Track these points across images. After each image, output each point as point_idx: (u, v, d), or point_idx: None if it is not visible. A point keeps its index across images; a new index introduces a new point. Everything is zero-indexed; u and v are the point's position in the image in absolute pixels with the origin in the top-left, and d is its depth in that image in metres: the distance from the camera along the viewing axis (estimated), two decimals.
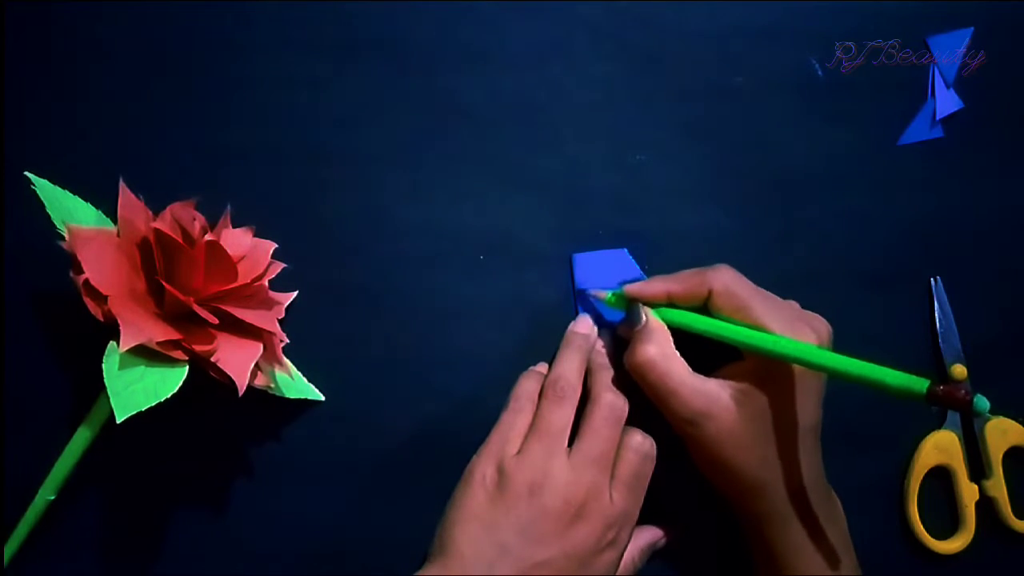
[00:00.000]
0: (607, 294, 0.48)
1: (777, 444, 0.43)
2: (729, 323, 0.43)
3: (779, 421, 0.43)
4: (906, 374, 0.37)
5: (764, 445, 0.43)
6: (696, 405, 0.43)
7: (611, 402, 0.45)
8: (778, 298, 0.45)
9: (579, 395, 0.45)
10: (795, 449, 0.43)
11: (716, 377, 0.44)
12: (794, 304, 0.46)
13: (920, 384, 0.36)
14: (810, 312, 0.45)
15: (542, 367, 0.48)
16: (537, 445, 0.44)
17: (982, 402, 0.34)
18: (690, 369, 0.44)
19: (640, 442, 0.45)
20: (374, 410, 0.48)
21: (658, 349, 0.44)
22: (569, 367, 0.46)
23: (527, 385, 0.47)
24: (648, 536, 0.47)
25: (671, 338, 0.45)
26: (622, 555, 0.44)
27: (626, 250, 0.50)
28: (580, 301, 0.49)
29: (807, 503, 0.44)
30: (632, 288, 0.46)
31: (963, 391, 0.35)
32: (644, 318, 0.45)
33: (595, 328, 0.49)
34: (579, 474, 0.43)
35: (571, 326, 0.49)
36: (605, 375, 0.46)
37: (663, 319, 0.45)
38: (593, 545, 0.42)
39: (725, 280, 0.44)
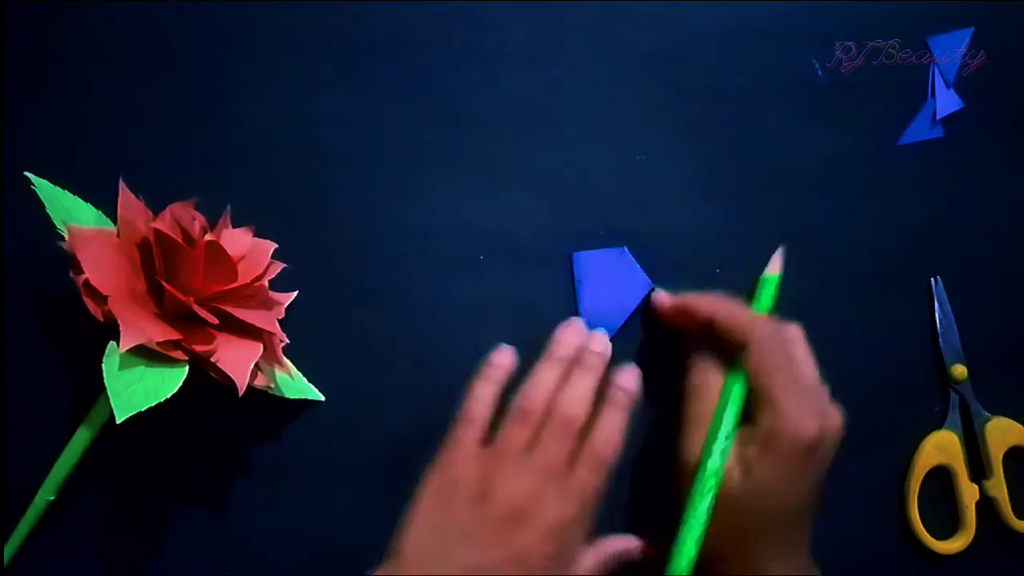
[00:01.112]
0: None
1: (760, 536, 0.43)
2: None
3: (774, 503, 0.43)
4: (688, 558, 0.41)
5: (748, 537, 0.43)
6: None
7: (567, 415, 0.44)
8: (805, 373, 0.44)
9: (542, 416, 0.44)
10: (777, 542, 0.43)
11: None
12: (824, 389, 0.45)
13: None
14: (827, 404, 0.44)
15: (497, 369, 0.46)
16: (491, 459, 0.43)
17: None
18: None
19: (597, 451, 0.44)
20: (374, 410, 0.48)
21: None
22: (540, 385, 0.45)
23: (481, 394, 0.46)
24: (618, 544, 0.47)
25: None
26: (573, 564, 0.43)
27: (626, 248, 0.50)
28: (583, 297, 0.49)
29: None
30: (676, 301, 0.47)
31: None
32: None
33: (589, 333, 0.48)
34: (524, 482, 0.42)
35: (558, 334, 0.47)
36: (578, 383, 0.45)
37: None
38: (535, 553, 0.42)
39: (767, 337, 0.44)
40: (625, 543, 0.47)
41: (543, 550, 0.42)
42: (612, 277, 0.49)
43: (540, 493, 0.42)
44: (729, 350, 0.45)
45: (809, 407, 0.43)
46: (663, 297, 0.48)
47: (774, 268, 0.48)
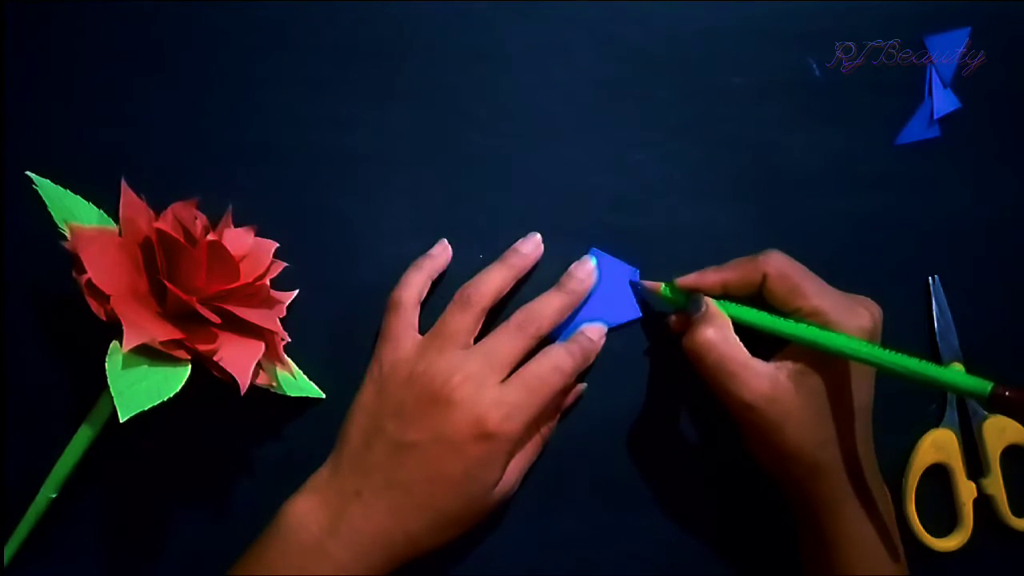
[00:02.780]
0: (661, 286, 0.48)
1: (835, 424, 0.43)
2: (783, 317, 0.44)
3: (835, 401, 0.43)
4: (967, 376, 0.39)
5: (823, 426, 0.43)
6: (757, 387, 0.42)
7: (524, 318, 0.45)
8: (824, 282, 0.45)
9: (485, 308, 0.46)
10: (852, 430, 0.44)
11: (772, 360, 0.44)
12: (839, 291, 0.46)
13: (983, 386, 0.38)
14: (859, 296, 0.45)
15: (431, 260, 0.48)
16: (427, 342, 0.45)
17: None
18: (748, 353, 0.44)
19: (555, 354, 0.45)
20: None
21: (718, 332, 0.43)
22: (488, 279, 0.46)
23: (411, 280, 0.47)
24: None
25: (731, 324, 0.45)
26: (508, 456, 0.44)
27: (638, 271, 0.50)
28: (599, 293, 0.49)
29: (864, 485, 0.44)
30: (687, 279, 0.46)
31: None
32: (704, 305, 0.45)
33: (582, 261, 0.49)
34: (461, 363, 0.43)
35: (518, 243, 0.49)
36: (547, 297, 0.46)
37: None
38: (465, 432, 0.42)
39: (778, 264, 0.45)
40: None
41: (473, 433, 0.42)
42: (616, 288, 0.49)
43: (477, 378, 0.43)
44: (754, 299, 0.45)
45: (847, 303, 0.44)
46: (675, 318, 0.49)
47: (657, 285, 0.49)
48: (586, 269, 0.48)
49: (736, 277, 0.45)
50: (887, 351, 0.41)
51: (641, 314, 0.50)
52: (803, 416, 0.43)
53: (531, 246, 0.49)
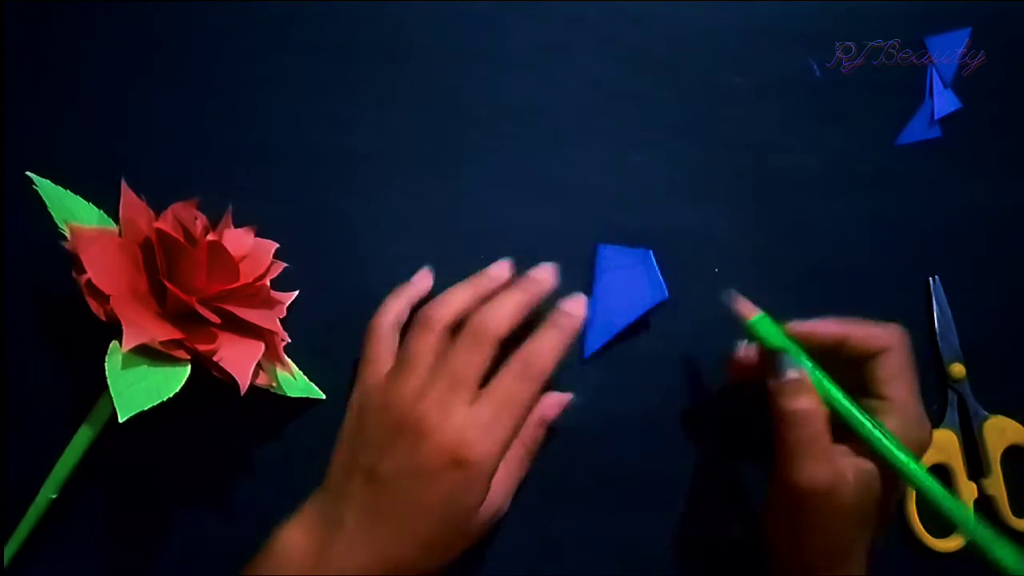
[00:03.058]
0: (757, 315, 0.44)
1: (868, 529, 0.42)
2: (858, 399, 0.43)
3: (877, 512, 0.42)
4: (1002, 544, 0.40)
5: (859, 529, 0.42)
6: (830, 476, 0.41)
7: (478, 325, 0.42)
8: (916, 385, 0.44)
9: (447, 327, 0.43)
10: (865, 549, 0.42)
11: (842, 443, 0.42)
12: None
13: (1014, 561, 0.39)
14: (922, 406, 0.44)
15: (412, 288, 0.47)
16: (395, 368, 0.44)
17: None
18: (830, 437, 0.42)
19: (523, 359, 0.41)
20: None
21: (817, 406, 0.42)
22: (450, 299, 0.44)
23: (389, 307, 0.46)
24: (534, 413, 0.46)
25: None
26: (488, 478, 0.41)
27: (651, 252, 0.49)
28: (597, 289, 0.49)
29: None
30: (802, 328, 0.44)
31: None
32: (800, 374, 0.42)
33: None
34: (425, 389, 0.41)
35: (489, 267, 0.47)
36: (501, 299, 0.43)
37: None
38: (438, 461, 0.40)
39: (904, 340, 0.43)
40: (538, 408, 0.47)
41: (447, 461, 0.40)
42: (630, 277, 0.49)
43: (442, 402, 0.40)
44: (849, 364, 0.44)
45: (923, 415, 0.43)
46: (747, 351, 0.46)
47: (752, 312, 0.45)
48: (544, 269, 0.45)
49: (860, 339, 0.43)
50: (960, 508, 0.41)
51: (653, 303, 0.49)
52: (851, 516, 0.41)
53: (499, 270, 0.47)
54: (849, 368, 0.44)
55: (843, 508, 0.41)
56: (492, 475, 0.41)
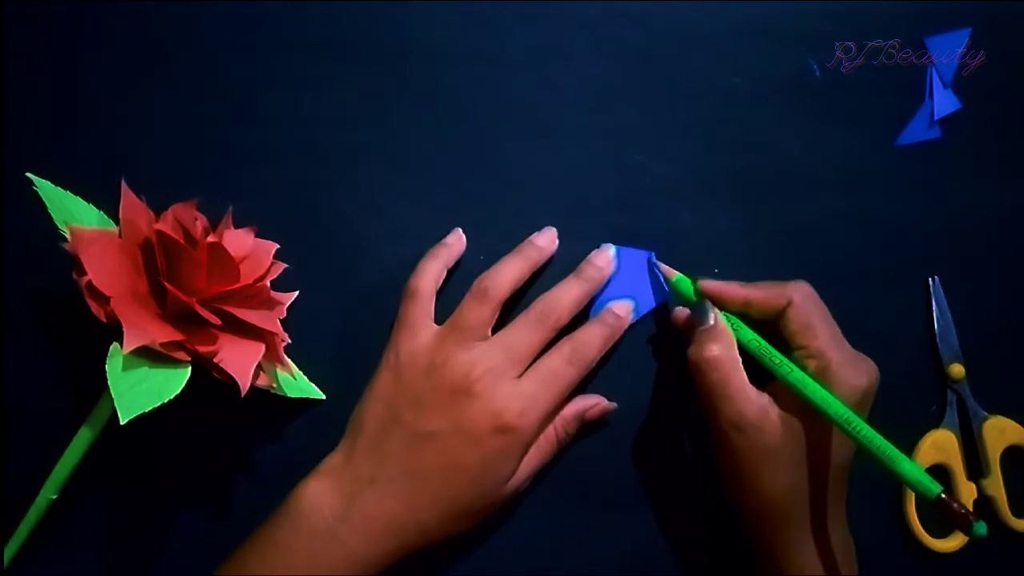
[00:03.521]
0: (675, 275, 0.48)
1: (809, 475, 0.43)
2: (785, 349, 0.44)
3: (813, 453, 0.43)
4: (923, 473, 0.40)
5: (797, 472, 0.43)
6: (749, 414, 0.42)
7: (542, 308, 0.45)
8: (839, 332, 0.45)
9: (502, 301, 0.46)
10: (824, 485, 0.43)
11: (765, 390, 0.44)
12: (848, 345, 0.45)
13: (932, 489, 0.39)
14: (863, 355, 0.45)
15: (447, 249, 0.48)
16: (446, 333, 0.45)
17: (981, 527, 0.38)
18: (747, 377, 0.43)
19: (575, 343, 0.45)
20: None
21: (725, 351, 0.43)
22: (504, 271, 0.47)
23: (427, 268, 0.47)
24: (576, 407, 0.47)
25: (735, 343, 0.44)
26: (524, 450, 0.44)
27: (653, 254, 0.50)
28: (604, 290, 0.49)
29: (826, 541, 0.44)
30: (712, 284, 0.46)
31: (963, 511, 0.38)
32: (713, 318, 0.45)
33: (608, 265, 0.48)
34: (482, 356, 0.44)
35: (533, 236, 0.49)
36: (566, 286, 0.47)
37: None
38: (483, 424, 0.43)
39: (803, 296, 0.44)
40: (582, 403, 0.47)
41: (492, 425, 0.43)
42: (631, 278, 0.49)
43: (496, 372, 0.43)
44: (766, 324, 0.45)
45: (853, 358, 0.44)
46: (680, 311, 0.48)
47: (672, 273, 0.49)
48: (605, 257, 0.48)
49: (761, 298, 0.45)
50: (864, 426, 0.41)
51: (656, 303, 0.49)
52: (781, 456, 0.43)
53: (546, 240, 0.49)
54: (767, 327, 0.45)
55: (771, 445, 0.43)
56: (529, 447, 0.45)
